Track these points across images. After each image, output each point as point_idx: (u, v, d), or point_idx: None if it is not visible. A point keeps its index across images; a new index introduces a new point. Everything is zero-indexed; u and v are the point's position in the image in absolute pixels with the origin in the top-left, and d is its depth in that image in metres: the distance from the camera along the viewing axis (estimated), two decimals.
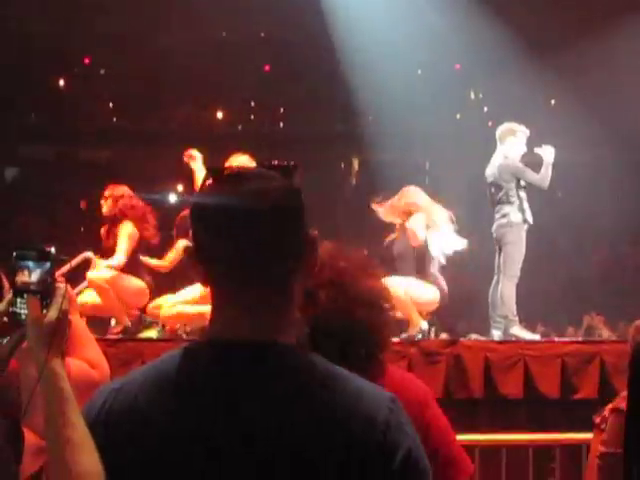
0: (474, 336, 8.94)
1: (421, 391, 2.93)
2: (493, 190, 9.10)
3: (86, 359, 3.38)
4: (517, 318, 8.83)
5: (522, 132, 9.20)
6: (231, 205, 1.78)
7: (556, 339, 10.52)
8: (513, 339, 8.53)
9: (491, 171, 9.12)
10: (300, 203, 1.83)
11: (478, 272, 10.51)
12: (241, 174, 1.84)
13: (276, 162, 1.88)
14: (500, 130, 9.24)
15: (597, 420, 3.95)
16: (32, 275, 2.15)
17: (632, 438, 2.87)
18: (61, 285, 2.16)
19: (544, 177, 8.99)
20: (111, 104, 21.64)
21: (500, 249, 9.04)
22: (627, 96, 17.77)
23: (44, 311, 2.11)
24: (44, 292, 2.13)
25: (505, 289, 8.85)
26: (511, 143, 9.11)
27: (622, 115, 18.29)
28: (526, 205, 9.01)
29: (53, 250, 2.18)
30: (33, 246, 2.18)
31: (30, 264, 2.16)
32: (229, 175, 1.85)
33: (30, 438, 2.78)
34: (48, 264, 2.16)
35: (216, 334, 1.80)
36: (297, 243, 1.80)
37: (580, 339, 10.33)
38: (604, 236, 18.87)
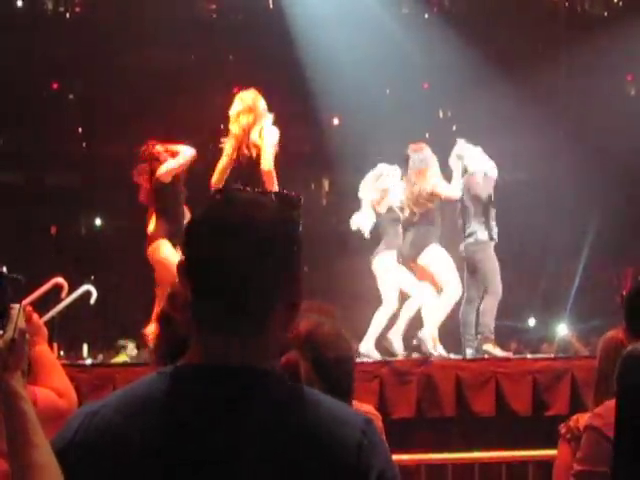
0: (451, 355, 8.92)
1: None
2: (460, 208, 9.15)
3: (53, 388, 3.37)
4: (493, 335, 8.84)
5: (464, 150, 9.27)
6: (217, 233, 1.79)
7: (528, 356, 10.54)
8: (485, 357, 8.55)
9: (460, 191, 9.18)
10: (291, 235, 1.83)
11: None
12: (236, 200, 1.84)
13: (278, 191, 1.89)
14: (451, 162, 9.31)
15: (563, 430, 3.97)
16: None
17: (621, 458, 2.85)
18: (15, 305, 2.15)
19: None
20: (80, 129, 21.58)
21: (470, 268, 9.06)
22: (597, 112, 17.95)
23: (0, 332, 2.10)
24: None
25: (487, 305, 8.85)
26: (466, 164, 9.19)
27: (592, 130, 18.46)
28: (493, 223, 9.05)
29: (5, 270, 2.16)
30: None
31: None
32: (224, 199, 1.85)
33: None
34: (0, 285, 2.15)
35: (194, 359, 1.81)
36: (282, 275, 1.81)
37: (551, 356, 10.35)
38: (574, 251, 18.96)
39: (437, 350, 8.65)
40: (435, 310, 8.79)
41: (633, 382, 2.86)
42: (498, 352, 8.77)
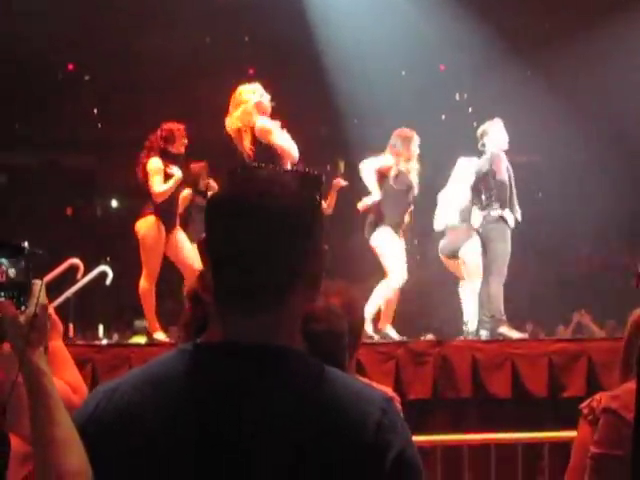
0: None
1: None
2: (481, 189, 9.06)
3: (67, 382, 3.38)
4: (505, 317, 8.83)
5: (492, 126, 9.21)
6: (237, 209, 1.79)
7: (544, 337, 10.54)
8: (500, 338, 8.55)
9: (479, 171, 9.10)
10: (311, 213, 1.82)
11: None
12: (256, 177, 1.84)
13: (298, 169, 1.88)
14: (479, 133, 9.28)
15: (585, 411, 3.91)
16: (6, 273, 2.13)
17: None
18: (37, 281, 2.14)
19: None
20: (95, 110, 21.59)
21: (484, 247, 9.01)
22: (612, 95, 17.85)
23: (22, 307, 2.10)
24: (20, 289, 2.11)
25: (493, 288, 8.84)
26: (487, 142, 9.14)
27: (607, 114, 18.38)
28: (515, 201, 9.00)
29: (27, 245, 2.15)
30: (5, 242, 2.16)
31: (3, 261, 2.14)
32: (244, 177, 1.85)
33: (17, 444, 2.77)
34: (22, 260, 2.14)
35: (214, 337, 1.80)
36: (302, 253, 1.80)
37: (567, 337, 10.35)
38: (590, 234, 18.92)
39: (383, 333, 8.73)
40: (377, 295, 8.86)
41: None
42: (514, 334, 8.77)
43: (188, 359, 1.79)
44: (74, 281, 9.29)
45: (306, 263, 1.81)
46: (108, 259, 9.78)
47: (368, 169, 9.07)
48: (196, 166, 9.46)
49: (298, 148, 8.03)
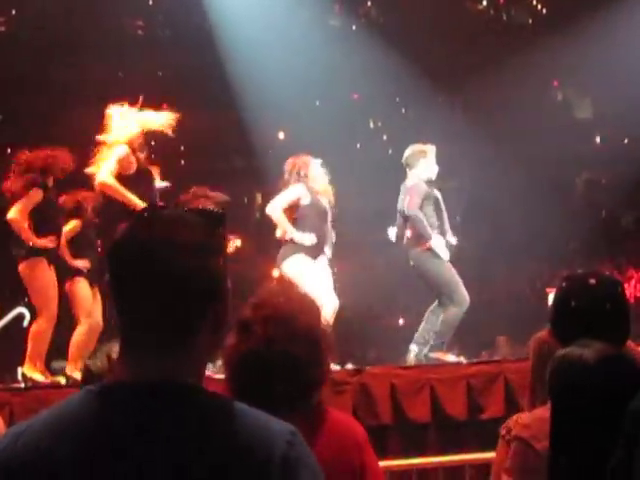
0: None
1: (360, 434, 3.00)
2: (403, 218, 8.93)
3: None
4: (445, 346, 8.77)
5: (431, 150, 9.00)
6: (139, 253, 1.80)
7: (456, 360, 10.59)
8: (420, 363, 8.57)
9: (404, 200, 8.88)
10: (216, 252, 1.84)
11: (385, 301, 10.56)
12: (160, 217, 1.85)
13: (202, 208, 1.90)
14: (409, 154, 9.01)
15: (503, 432, 3.95)
16: None
17: (556, 467, 2.85)
18: None
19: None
20: (9, 150, 21.36)
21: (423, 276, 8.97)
22: (522, 118, 18.16)
23: None
24: None
25: (448, 315, 8.78)
26: (424, 165, 8.93)
27: (518, 137, 18.68)
28: (447, 227, 8.97)
29: None
30: None
31: None
32: (148, 217, 1.87)
33: None
34: None
35: (120, 376, 1.81)
36: (206, 294, 1.81)
37: (484, 359, 10.45)
38: (509, 255, 19.12)
39: None
40: None
41: (564, 389, 2.88)
42: (449, 358, 8.75)
43: (93, 400, 1.79)
44: None
45: (211, 304, 1.82)
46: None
47: (277, 212, 8.71)
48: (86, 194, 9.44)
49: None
